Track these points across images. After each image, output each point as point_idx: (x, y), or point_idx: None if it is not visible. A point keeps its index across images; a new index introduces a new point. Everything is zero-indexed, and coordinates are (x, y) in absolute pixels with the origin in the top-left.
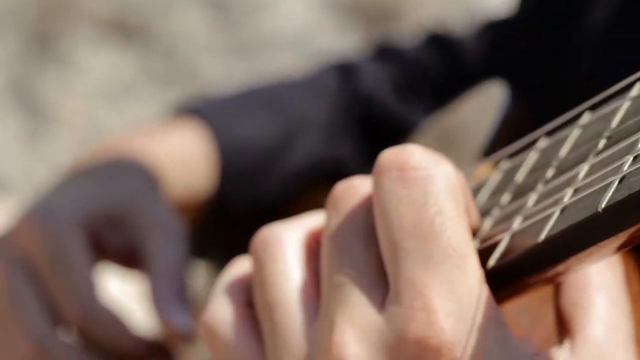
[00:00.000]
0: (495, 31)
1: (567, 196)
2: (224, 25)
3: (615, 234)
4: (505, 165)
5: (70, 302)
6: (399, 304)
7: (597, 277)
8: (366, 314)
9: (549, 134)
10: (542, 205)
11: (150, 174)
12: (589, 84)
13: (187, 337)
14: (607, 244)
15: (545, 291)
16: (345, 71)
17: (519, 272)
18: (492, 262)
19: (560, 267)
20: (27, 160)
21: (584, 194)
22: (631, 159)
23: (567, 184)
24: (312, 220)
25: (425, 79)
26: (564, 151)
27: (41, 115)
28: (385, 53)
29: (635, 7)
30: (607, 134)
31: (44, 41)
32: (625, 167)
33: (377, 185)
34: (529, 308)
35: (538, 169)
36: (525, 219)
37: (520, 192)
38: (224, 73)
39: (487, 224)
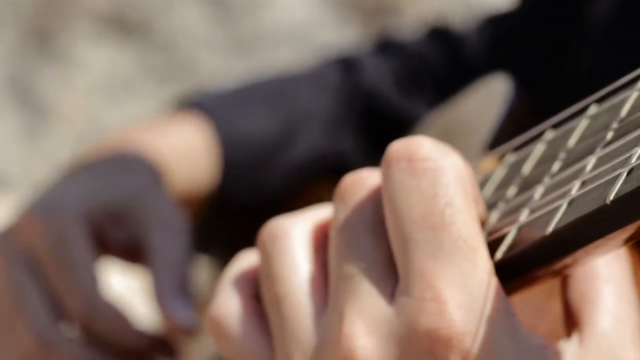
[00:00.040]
0: (497, 25)
1: (575, 189)
2: (223, 21)
3: (623, 227)
4: (511, 158)
5: (73, 297)
6: (409, 295)
7: (605, 269)
8: (376, 305)
9: (555, 126)
10: (549, 197)
11: (154, 168)
12: (589, 78)
13: (190, 332)
14: (615, 236)
15: (550, 285)
16: (347, 65)
17: (526, 264)
18: (499, 254)
19: (567, 260)
20: (26, 156)
21: (591, 186)
22: (639, 151)
23: (574, 176)
24: (319, 213)
25: (427, 72)
26: (570, 143)
27: (40, 111)
28: (386, 47)
29: (635, 3)
30: (614, 125)
31: (42, 37)
32: (634, 159)
33: (386, 177)
34: (533, 301)
35: (545, 162)
36: (532, 211)
37: (527, 185)
38: (223, 69)
39: (494, 217)
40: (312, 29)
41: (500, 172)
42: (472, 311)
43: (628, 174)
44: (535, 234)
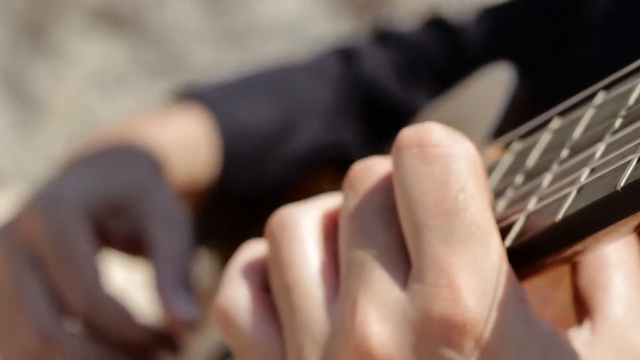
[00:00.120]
0: (496, 16)
1: (584, 176)
2: (215, 14)
3: (634, 213)
4: (517, 146)
5: (75, 291)
6: (422, 282)
7: (615, 256)
8: (389, 292)
9: (561, 114)
10: (557, 185)
11: (154, 160)
12: (591, 66)
13: (192, 325)
14: (625, 222)
15: (555, 274)
16: (346, 56)
17: (536, 251)
18: (507, 242)
19: (577, 247)
20: (19, 151)
21: (601, 173)
22: None
23: (583, 163)
24: (327, 202)
25: (427, 63)
26: (578, 131)
27: (33, 106)
28: (385, 38)
29: None
30: (623, 112)
31: (34, 32)
32: None
33: (398, 163)
34: (538, 291)
35: (552, 150)
36: (541, 199)
37: (534, 173)
38: (216, 62)
39: (501, 205)
40: (305, 21)
41: (506, 160)
42: (485, 297)
43: (638, 160)
44: (545, 222)
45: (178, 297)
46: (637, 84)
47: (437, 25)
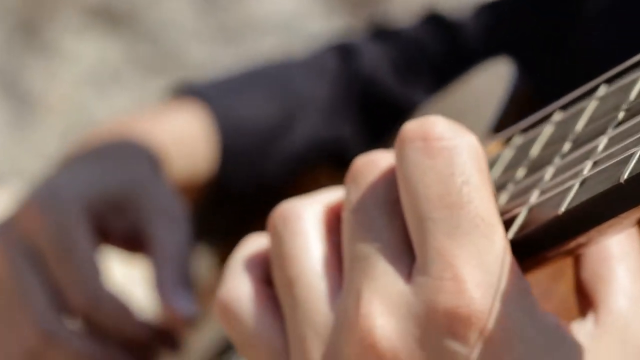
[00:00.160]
0: (493, 11)
1: (587, 169)
2: (210, 11)
3: (637, 205)
4: (519, 140)
5: (75, 288)
6: (427, 275)
7: (618, 248)
8: (393, 284)
9: (563, 108)
10: (560, 178)
11: (153, 156)
12: (591, 60)
13: (191, 322)
14: (628, 215)
15: (555, 267)
16: (344, 51)
17: (538, 244)
18: (510, 235)
19: (580, 239)
20: (14, 149)
21: (604, 166)
22: None
23: (586, 156)
24: (329, 196)
25: (424, 59)
26: (580, 124)
27: (28, 104)
28: (382, 34)
29: None
30: (625, 106)
31: (29, 29)
32: None
33: (401, 157)
34: (539, 284)
35: (554, 143)
36: (543, 192)
37: (536, 167)
38: (211, 59)
39: (503, 199)
40: (300, 18)
41: (508, 154)
42: (490, 289)
43: None
44: (547, 214)
45: (177, 294)
46: (639, 77)
47: (434, 21)
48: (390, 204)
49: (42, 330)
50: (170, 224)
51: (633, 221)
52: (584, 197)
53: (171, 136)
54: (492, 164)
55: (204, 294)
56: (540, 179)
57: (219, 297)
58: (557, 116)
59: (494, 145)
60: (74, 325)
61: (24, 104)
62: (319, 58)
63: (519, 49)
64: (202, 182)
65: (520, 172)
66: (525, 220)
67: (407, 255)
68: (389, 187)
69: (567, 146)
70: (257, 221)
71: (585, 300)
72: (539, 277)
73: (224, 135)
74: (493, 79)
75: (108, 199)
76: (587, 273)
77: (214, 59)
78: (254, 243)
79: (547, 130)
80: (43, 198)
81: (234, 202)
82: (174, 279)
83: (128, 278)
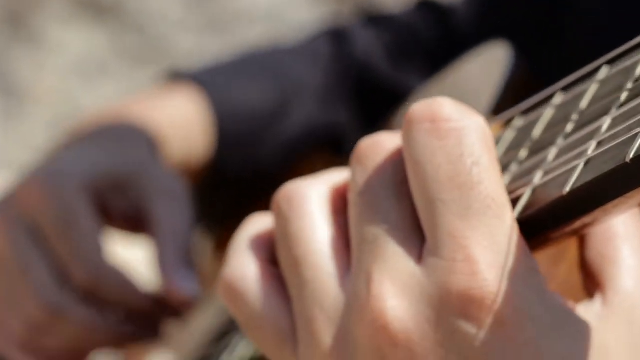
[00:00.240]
0: None
1: (591, 149)
2: (196, 1)
3: None
4: (519, 122)
5: (78, 263)
6: (438, 256)
7: (623, 228)
8: (404, 266)
9: (564, 89)
10: (564, 159)
11: (151, 139)
12: (587, 42)
13: (193, 302)
14: (634, 194)
15: (556, 250)
16: (337, 37)
17: (543, 225)
18: (514, 216)
19: (585, 220)
20: (1, 139)
21: (609, 145)
22: None
23: (589, 137)
24: (334, 177)
25: (418, 44)
26: (583, 105)
27: (15, 95)
28: (375, 19)
29: None
30: (629, 86)
31: (15, 20)
32: None
33: (409, 138)
34: (540, 267)
35: (556, 124)
36: (547, 173)
37: (539, 148)
38: (198, 49)
39: (505, 180)
40: (286, 7)
41: (509, 136)
42: (502, 270)
43: None
44: (551, 195)
45: (179, 273)
46: None
47: (427, 6)
48: (397, 185)
49: (47, 303)
50: (172, 203)
51: (638, 201)
52: (589, 177)
53: (168, 120)
54: None
55: (201, 279)
56: (544, 159)
57: (224, 277)
58: (558, 98)
59: (495, 127)
60: (77, 297)
61: (11, 95)
62: (312, 44)
63: (512, 34)
64: (198, 166)
65: (523, 153)
66: (529, 201)
67: (417, 236)
68: (396, 168)
69: (570, 127)
70: (253, 206)
71: (591, 281)
72: (540, 260)
73: (220, 119)
74: (490, 63)
75: (109, 178)
76: (592, 253)
77: (201, 49)
78: (258, 222)
79: (549, 112)
80: (44, 175)
81: (230, 186)
82: (175, 258)
83: (130, 260)
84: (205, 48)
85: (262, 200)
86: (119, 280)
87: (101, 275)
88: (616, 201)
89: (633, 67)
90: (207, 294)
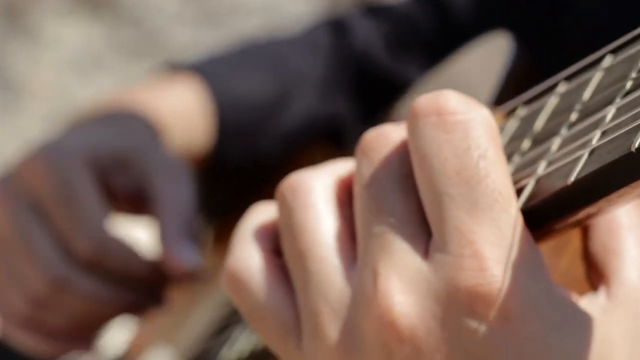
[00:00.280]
0: None
1: (595, 138)
2: None
3: None
4: (522, 112)
5: (80, 235)
6: (445, 252)
7: (627, 219)
8: (411, 262)
9: (567, 79)
10: (568, 149)
11: (152, 126)
12: (587, 32)
13: (197, 275)
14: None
15: (557, 242)
16: (336, 28)
17: (546, 215)
18: (519, 206)
19: (590, 210)
20: None
21: (613, 135)
22: None
23: (594, 126)
24: (339, 168)
25: (416, 35)
26: (587, 95)
27: (11, 89)
28: (373, 10)
29: None
30: (633, 75)
31: (11, 15)
32: None
33: (415, 131)
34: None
35: (559, 114)
36: (551, 163)
37: (542, 138)
38: (194, 41)
39: (509, 170)
40: (283, 0)
41: (512, 126)
42: (509, 265)
43: None
44: (556, 185)
45: (181, 245)
46: None
47: None
48: (403, 177)
49: (51, 275)
50: (173, 178)
51: None
52: (594, 167)
53: (169, 109)
54: None
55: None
56: (547, 150)
57: (227, 267)
58: (562, 88)
59: (497, 117)
60: (80, 268)
61: (7, 90)
62: (311, 34)
63: (511, 24)
64: (198, 155)
65: (526, 144)
66: (533, 192)
67: (423, 230)
68: (402, 161)
69: (573, 116)
70: (253, 198)
71: (595, 273)
72: (543, 252)
73: (220, 109)
74: (491, 53)
75: (110, 155)
76: (596, 245)
77: (197, 42)
78: (262, 212)
79: (552, 101)
80: (45, 151)
81: (230, 177)
82: (177, 230)
83: (134, 241)
84: (201, 41)
85: (261, 192)
86: (122, 248)
87: (104, 245)
88: (621, 191)
89: (637, 56)
90: (207, 288)
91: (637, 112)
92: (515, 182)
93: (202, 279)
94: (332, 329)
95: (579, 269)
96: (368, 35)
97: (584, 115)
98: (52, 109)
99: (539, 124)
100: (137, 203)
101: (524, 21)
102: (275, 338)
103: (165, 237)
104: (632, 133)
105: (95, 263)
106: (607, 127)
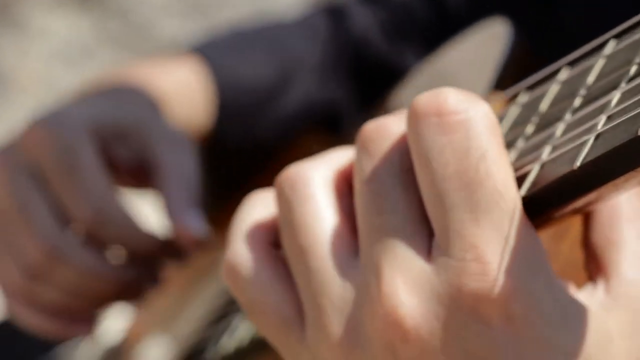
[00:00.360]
0: None
1: (601, 123)
2: None
3: None
4: (524, 98)
5: (80, 202)
6: (448, 255)
7: (629, 209)
8: (414, 263)
9: (570, 64)
10: (572, 134)
11: (154, 100)
12: (587, 16)
13: (203, 242)
14: None
15: (559, 228)
16: (335, 14)
17: (552, 200)
18: (523, 192)
19: (593, 195)
20: None
21: (619, 120)
22: None
23: (599, 111)
24: (337, 158)
25: (414, 23)
26: (590, 80)
27: None
28: None
29: None
30: (638, 60)
31: None
32: None
33: (416, 133)
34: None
35: (563, 100)
36: (555, 148)
37: (546, 123)
38: (182, 33)
39: (512, 156)
40: None
41: (514, 112)
42: (512, 267)
43: None
44: (561, 170)
45: (188, 214)
46: None
47: None
48: (404, 172)
49: (46, 244)
50: (176, 149)
51: None
52: (600, 151)
53: (171, 86)
54: (499, 122)
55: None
56: (551, 135)
57: (226, 261)
58: (564, 73)
59: (498, 103)
60: (78, 239)
61: None
62: (309, 20)
63: (508, 11)
64: (198, 134)
65: (529, 129)
66: (538, 177)
67: (425, 228)
68: (402, 156)
69: (577, 102)
70: (251, 184)
71: (594, 264)
72: (543, 240)
73: (221, 90)
74: (489, 39)
75: (113, 127)
76: (597, 236)
77: (185, 33)
78: (259, 203)
79: (555, 87)
80: (47, 120)
81: (229, 158)
82: (183, 199)
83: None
84: (189, 32)
85: (259, 177)
86: (123, 218)
87: (104, 212)
88: (627, 175)
89: None
90: (204, 276)
91: None
92: (519, 168)
93: (210, 248)
94: (335, 325)
95: (580, 254)
96: (365, 22)
97: (588, 100)
98: (39, 100)
99: (542, 109)
100: (139, 175)
101: (521, 8)
102: (275, 332)
103: (171, 206)
104: (637, 117)
105: (94, 233)
106: (613, 111)
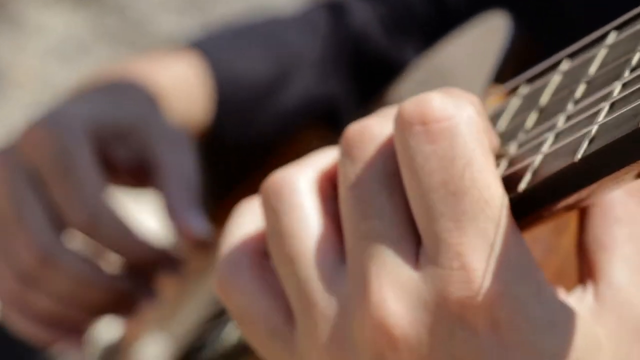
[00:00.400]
0: None
1: (603, 114)
2: None
3: None
4: (525, 90)
5: (75, 207)
6: (435, 264)
7: (623, 211)
8: (401, 271)
9: (570, 56)
10: (574, 125)
11: (152, 95)
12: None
13: (205, 242)
14: None
15: (559, 221)
16: (334, 9)
17: (554, 193)
18: (523, 185)
19: (593, 187)
20: None
21: (622, 111)
22: None
23: (600, 101)
24: (321, 160)
25: (413, 18)
26: (591, 71)
27: None
28: None
29: None
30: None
31: None
32: None
33: (401, 142)
34: (542, 238)
35: (564, 90)
36: (557, 140)
37: (547, 114)
38: (179, 29)
39: (513, 148)
40: None
41: (515, 103)
42: (498, 274)
43: None
44: (563, 162)
45: (190, 213)
46: None
47: None
48: (389, 177)
49: (40, 250)
50: (176, 148)
51: None
52: (602, 143)
53: (169, 82)
54: (499, 114)
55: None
56: (552, 126)
57: (217, 272)
58: (565, 65)
59: (498, 96)
60: (73, 246)
61: None
62: (309, 15)
63: (508, 4)
64: (197, 129)
65: (530, 121)
66: (539, 169)
67: (412, 232)
68: (387, 160)
69: (579, 92)
70: (249, 180)
71: (586, 266)
72: (543, 231)
73: (219, 85)
74: (489, 32)
75: (111, 126)
76: (589, 237)
77: (182, 29)
78: (249, 213)
79: (556, 78)
80: (45, 121)
81: (228, 153)
82: (185, 200)
83: (138, 214)
84: (186, 27)
85: (258, 172)
86: (118, 224)
87: (98, 216)
88: (629, 167)
89: None
90: (202, 273)
91: None
92: (519, 160)
93: (212, 248)
94: (325, 334)
95: None
96: (365, 17)
97: (590, 91)
98: (35, 97)
99: (543, 101)
100: (139, 175)
101: (520, 3)
102: (266, 342)
103: (172, 206)
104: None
105: (89, 237)
106: (615, 102)
